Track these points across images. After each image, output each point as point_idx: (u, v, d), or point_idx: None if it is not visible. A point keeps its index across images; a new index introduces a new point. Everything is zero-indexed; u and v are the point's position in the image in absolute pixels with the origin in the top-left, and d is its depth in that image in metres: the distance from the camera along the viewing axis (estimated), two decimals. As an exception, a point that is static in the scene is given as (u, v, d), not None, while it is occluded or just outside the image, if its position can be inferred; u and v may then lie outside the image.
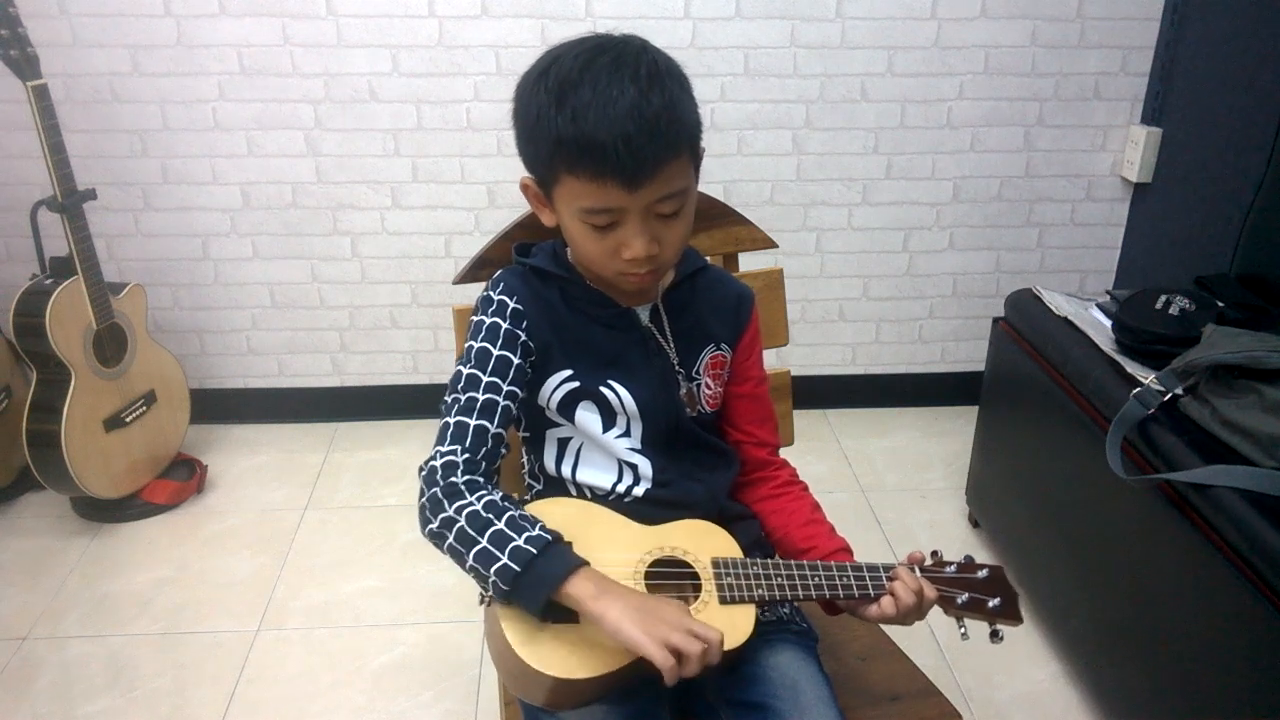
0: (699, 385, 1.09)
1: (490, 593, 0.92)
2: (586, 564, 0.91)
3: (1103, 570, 1.58)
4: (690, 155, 0.96)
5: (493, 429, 0.98)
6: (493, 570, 0.90)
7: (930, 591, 0.98)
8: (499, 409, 0.99)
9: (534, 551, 0.90)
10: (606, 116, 0.88)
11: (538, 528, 0.92)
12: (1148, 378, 1.50)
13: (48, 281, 2.00)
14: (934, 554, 1.03)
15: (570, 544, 0.93)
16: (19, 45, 1.87)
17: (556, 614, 0.93)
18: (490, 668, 1.74)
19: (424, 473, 0.96)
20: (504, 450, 1.01)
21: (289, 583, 1.99)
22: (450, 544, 0.93)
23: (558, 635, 0.92)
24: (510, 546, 0.90)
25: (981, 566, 1.02)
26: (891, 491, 2.31)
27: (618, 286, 1.02)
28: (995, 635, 0.99)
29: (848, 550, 1.08)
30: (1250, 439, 1.32)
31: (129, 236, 2.37)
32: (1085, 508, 1.62)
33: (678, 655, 0.84)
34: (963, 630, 1.01)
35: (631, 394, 1.04)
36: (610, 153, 0.88)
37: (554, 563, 0.90)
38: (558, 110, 0.89)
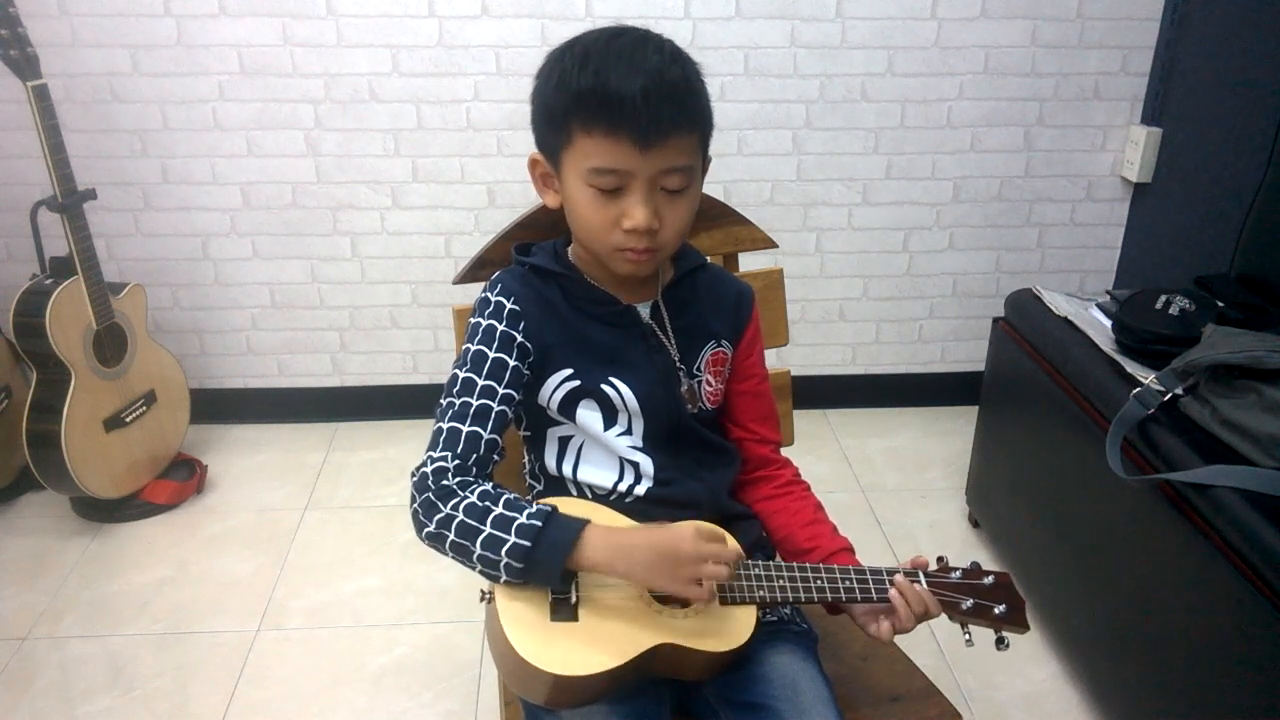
0: (700, 382, 1.09)
1: (503, 577, 0.92)
2: (589, 523, 0.93)
3: (1103, 570, 1.58)
4: (701, 138, 0.97)
5: (485, 435, 0.98)
6: (504, 552, 0.91)
7: (934, 608, 0.98)
8: (493, 414, 0.99)
9: (540, 524, 0.91)
10: (629, 75, 0.90)
11: (535, 504, 0.94)
12: (1148, 378, 1.50)
13: (48, 281, 2.00)
14: (939, 559, 1.02)
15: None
16: (19, 45, 1.87)
17: (559, 610, 0.93)
18: (490, 668, 1.74)
19: (415, 478, 0.97)
20: (497, 457, 1.00)
21: (289, 583, 1.99)
22: (452, 540, 0.93)
23: (558, 633, 0.92)
24: (515, 525, 0.91)
25: (988, 573, 1.01)
26: (891, 491, 2.31)
27: (614, 269, 1.02)
28: (1001, 643, 0.98)
29: (850, 550, 1.08)
30: (1250, 439, 1.32)
31: (129, 236, 2.37)
32: (1085, 508, 1.62)
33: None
34: (967, 636, 0.99)
35: (632, 390, 1.04)
36: (628, 106, 0.89)
37: (562, 529, 0.92)
38: (581, 70, 0.91)
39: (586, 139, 0.93)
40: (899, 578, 0.98)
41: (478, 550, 0.92)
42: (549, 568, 0.91)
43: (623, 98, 0.89)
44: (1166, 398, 1.45)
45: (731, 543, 0.96)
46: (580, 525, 0.93)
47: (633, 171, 0.93)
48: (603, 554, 0.92)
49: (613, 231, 0.96)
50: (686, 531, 0.91)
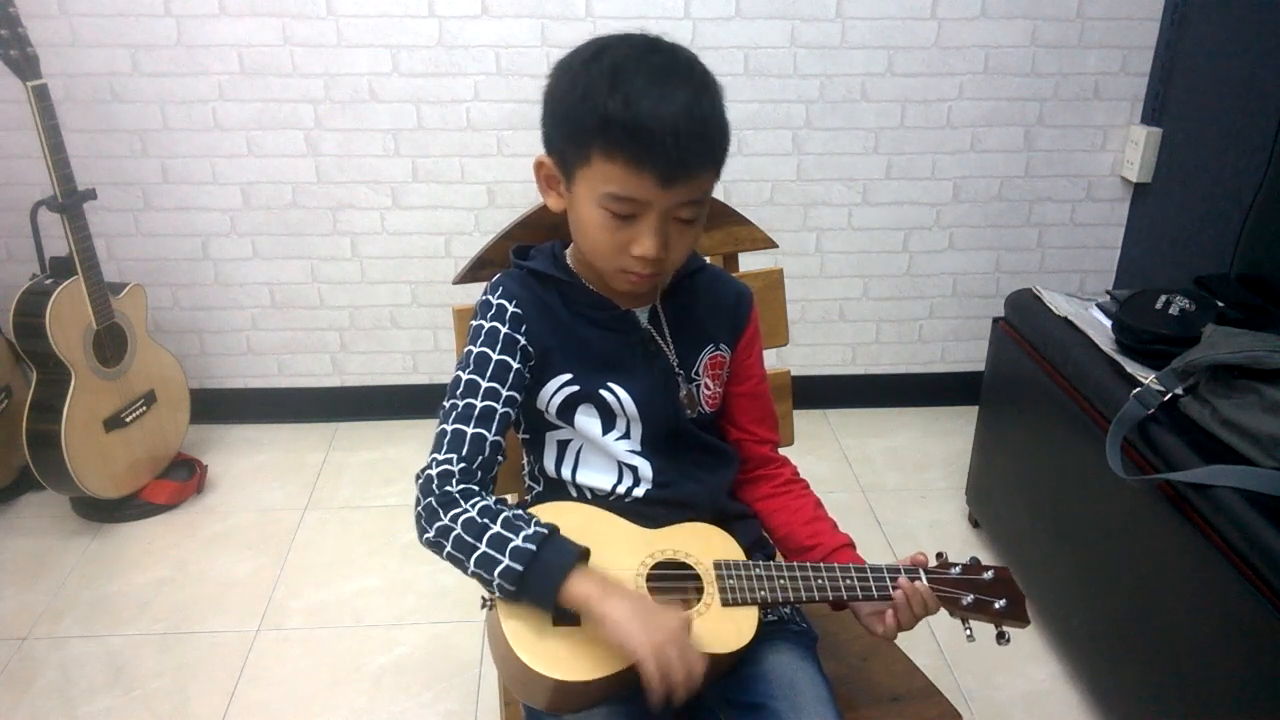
0: (698, 386, 1.09)
1: (496, 595, 0.92)
2: (586, 551, 0.92)
3: (1103, 570, 1.58)
4: (718, 169, 0.96)
5: (490, 437, 0.98)
6: (496, 573, 0.90)
7: (933, 606, 0.98)
8: (497, 416, 0.99)
9: (534, 549, 0.90)
10: (661, 108, 0.88)
11: (533, 524, 0.93)
12: (1148, 378, 1.50)
13: (48, 281, 2.00)
14: (939, 556, 1.02)
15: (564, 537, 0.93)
16: (19, 45, 1.86)
17: (561, 615, 0.93)
18: (490, 668, 1.74)
19: (420, 481, 0.96)
20: (501, 458, 1.00)
21: (289, 583, 1.99)
22: (449, 552, 0.93)
23: (559, 638, 0.92)
24: (510, 547, 0.90)
25: (987, 568, 1.01)
26: (891, 491, 2.31)
27: (613, 286, 1.02)
28: (1002, 637, 0.98)
29: (851, 546, 1.09)
30: (1250, 439, 1.32)
31: (129, 236, 2.37)
32: (1085, 508, 1.62)
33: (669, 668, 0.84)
34: (968, 632, 1.00)
35: (631, 396, 1.04)
36: (658, 143, 0.88)
37: (556, 554, 0.91)
38: (610, 91, 0.89)
39: (607, 165, 0.91)
40: (902, 579, 0.98)
41: (471, 567, 0.91)
42: (541, 594, 0.90)
43: (652, 134, 0.87)
44: (1166, 398, 1.45)
45: (700, 664, 0.86)
46: (573, 557, 0.90)
47: (650, 202, 0.92)
48: (590, 591, 0.88)
49: (620, 255, 0.96)
50: (679, 620, 0.88)
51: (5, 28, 1.84)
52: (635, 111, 0.88)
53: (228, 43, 2.20)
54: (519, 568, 0.89)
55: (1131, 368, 1.57)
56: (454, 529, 0.92)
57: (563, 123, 0.95)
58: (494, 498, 0.96)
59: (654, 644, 0.84)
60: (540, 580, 0.90)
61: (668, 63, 0.91)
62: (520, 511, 0.95)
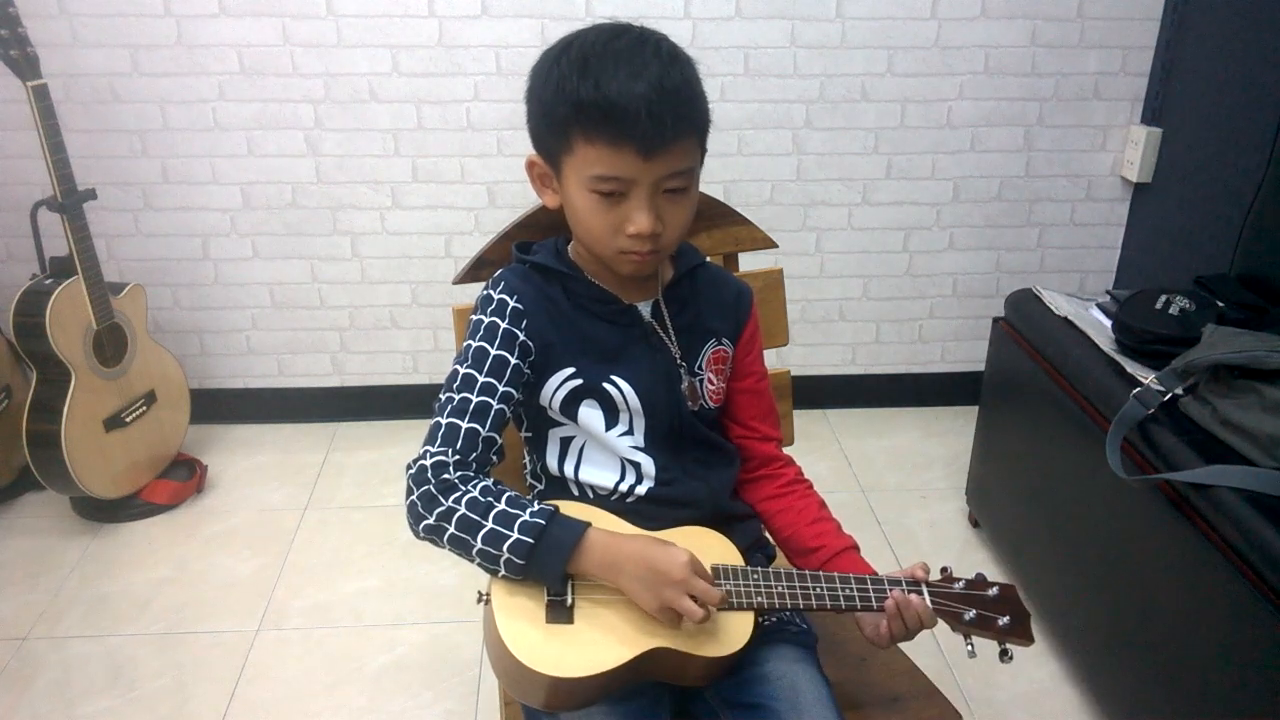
0: (701, 380, 1.09)
1: (502, 571, 0.93)
2: (590, 526, 0.94)
3: (1103, 570, 1.58)
4: (700, 138, 0.97)
5: (484, 433, 0.98)
6: (505, 547, 0.91)
7: (929, 622, 0.97)
8: (492, 412, 0.99)
9: (543, 523, 0.92)
10: (631, 83, 0.90)
11: (537, 503, 0.95)
12: (1148, 378, 1.50)
13: (48, 281, 2.00)
14: (944, 570, 1.01)
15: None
16: (19, 45, 1.87)
17: (555, 614, 0.93)
18: (490, 667, 1.74)
19: (412, 471, 0.96)
20: (495, 457, 1.00)
21: (289, 583, 1.99)
22: (452, 534, 0.93)
23: (554, 635, 0.92)
24: (518, 522, 0.92)
25: (992, 584, 0.99)
26: (891, 491, 2.31)
27: (617, 270, 1.02)
28: (1005, 654, 0.96)
29: (855, 548, 1.09)
30: (1250, 439, 1.32)
31: (129, 236, 2.37)
32: (1085, 508, 1.62)
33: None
34: (970, 647, 0.98)
35: (634, 388, 1.05)
36: (631, 117, 0.89)
37: (565, 529, 0.93)
38: (581, 78, 0.91)
39: (589, 148, 0.92)
40: (896, 591, 0.97)
41: (478, 545, 0.92)
42: (550, 566, 0.92)
43: (625, 108, 0.89)
44: (1166, 398, 1.45)
45: (715, 592, 0.93)
46: (582, 528, 0.93)
47: (636, 179, 0.93)
48: (599, 560, 0.93)
49: (616, 236, 0.97)
50: (681, 558, 0.91)
51: (5, 28, 1.84)
52: (606, 92, 0.90)
53: (228, 43, 2.20)
54: (530, 540, 0.91)
55: (1131, 368, 1.57)
56: (458, 510, 0.93)
57: (543, 117, 0.97)
58: (492, 479, 0.97)
59: (660, 603, 0.90)
60: (550, 554, 0.91)
61: (634, 42, 0.93)
62: (519, 494, 0.96)
